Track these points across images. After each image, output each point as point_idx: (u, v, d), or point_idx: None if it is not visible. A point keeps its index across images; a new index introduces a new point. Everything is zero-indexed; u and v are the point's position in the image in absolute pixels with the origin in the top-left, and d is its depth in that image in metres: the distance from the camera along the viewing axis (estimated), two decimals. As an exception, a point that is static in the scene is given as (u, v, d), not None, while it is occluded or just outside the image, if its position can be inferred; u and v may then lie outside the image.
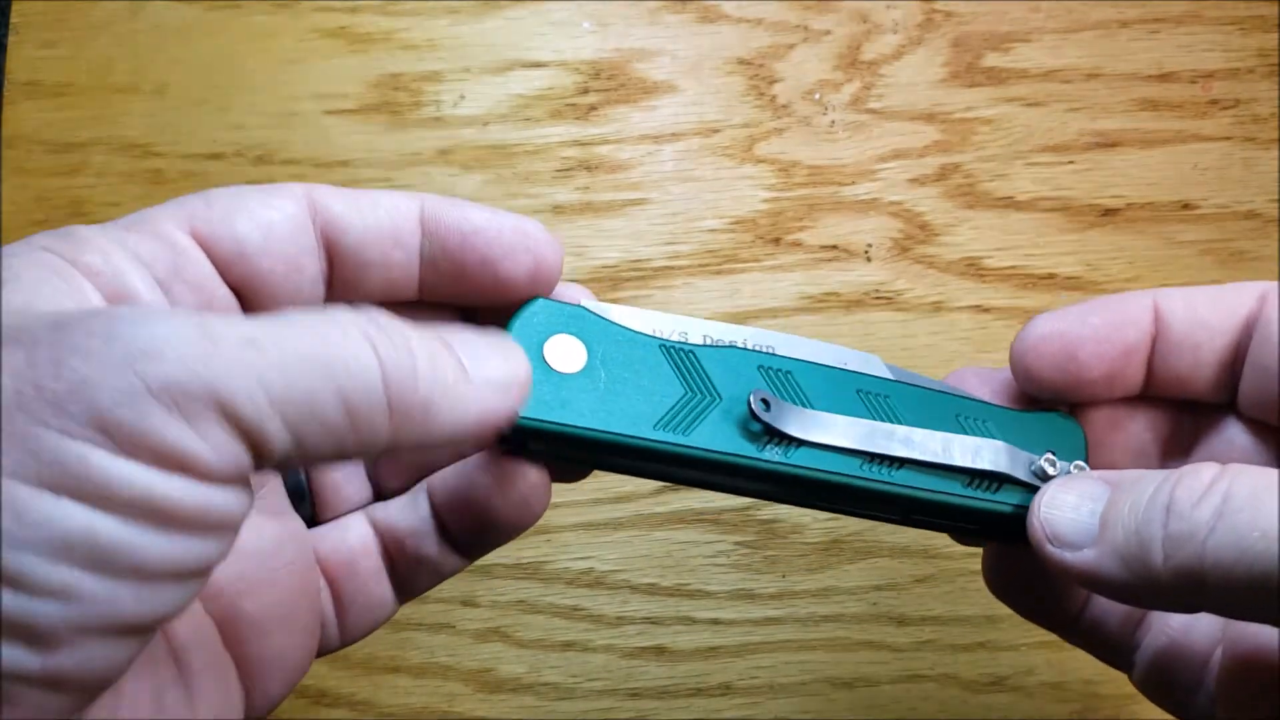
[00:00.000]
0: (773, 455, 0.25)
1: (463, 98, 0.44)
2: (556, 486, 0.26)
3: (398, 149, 0.43)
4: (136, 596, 0.18)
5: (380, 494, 0.27)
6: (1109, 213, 0.43)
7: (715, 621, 0.40)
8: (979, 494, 0.26)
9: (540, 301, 0.25)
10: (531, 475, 0.25)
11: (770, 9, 0.45)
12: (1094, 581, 0.24)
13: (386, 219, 0.25)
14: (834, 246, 0.43)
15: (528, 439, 0.24)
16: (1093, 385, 0.27)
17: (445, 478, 0.27)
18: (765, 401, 0.25)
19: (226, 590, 0.24)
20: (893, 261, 0.43)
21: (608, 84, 0.44)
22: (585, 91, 0.44)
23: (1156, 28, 0.45)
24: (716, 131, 0.44)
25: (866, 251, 0.43)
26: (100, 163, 0.43)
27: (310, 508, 0.27)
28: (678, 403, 0.25)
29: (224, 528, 0.19)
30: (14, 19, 0.44)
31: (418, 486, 0.27)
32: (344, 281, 0.25)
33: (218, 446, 0.18)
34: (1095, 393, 0.27)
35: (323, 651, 0.26)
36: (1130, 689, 0.29)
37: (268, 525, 0.25)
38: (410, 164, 0.43)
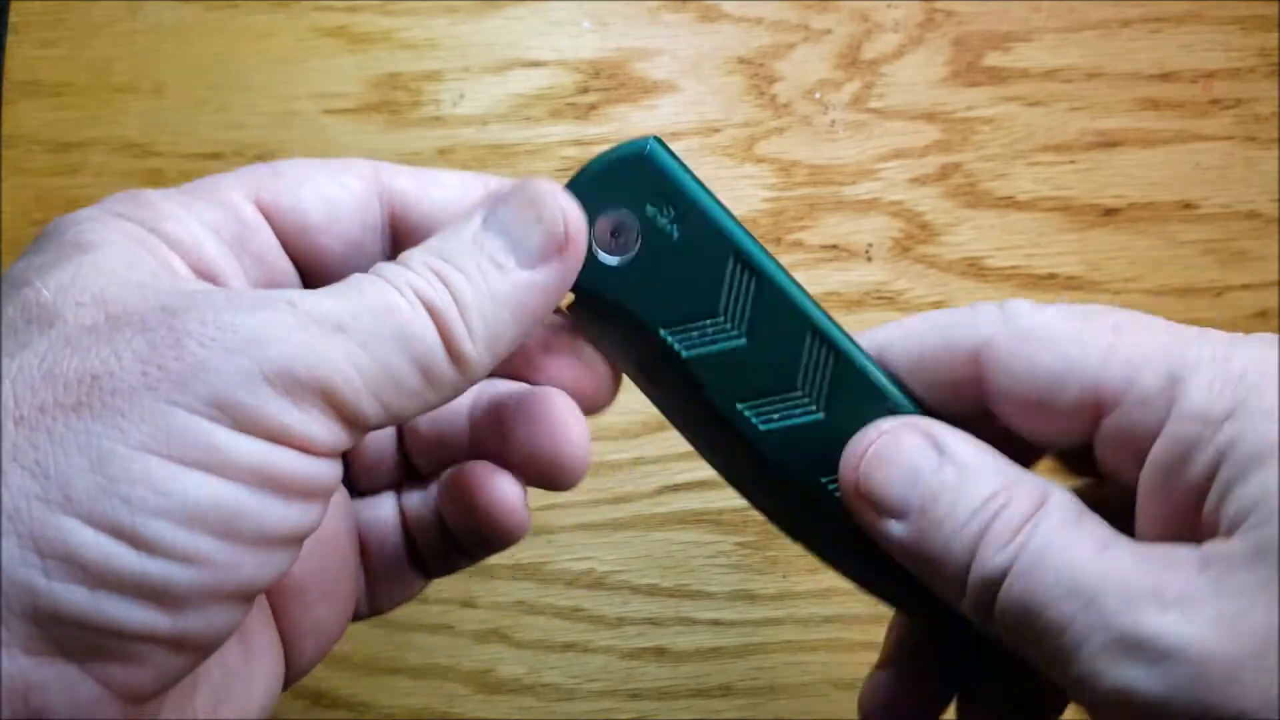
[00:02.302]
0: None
1: (462, 97, 0.44)
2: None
3: (397, 148, 0.43)
4: (256, 560, 0.20)
5: (410, 473, 0.28)
6: (1110, 212, 0.43)
7: (716, 622, 0.40)
8: None
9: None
10: (507, 488, 0.26)
11: (771, 8, 0.45)
12: (898, 551, 0.24)
13: (452, 196, 0.25)
14: (835, 246, 0.43)
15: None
16: None
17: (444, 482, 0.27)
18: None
19: None
20: (893, 261, 0.43)
21: (608, 83, 0.44)
22: (585, 91, 0.44)
23: (1158, 27, 0.45)
24: (717, 131, 0.44)
25: (867, 251, 0.43)
26: (99, 162, 0.43)
27: (349, 481, 0.28)
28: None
29: (325, 494, 0.21)
30: (13, 19, 0.44)
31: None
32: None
33: (322, 425, 0.20)
34: None
35: (354, 618, 0.28)
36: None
37: None
38: (410, 163, 0.43)
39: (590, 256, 0.24)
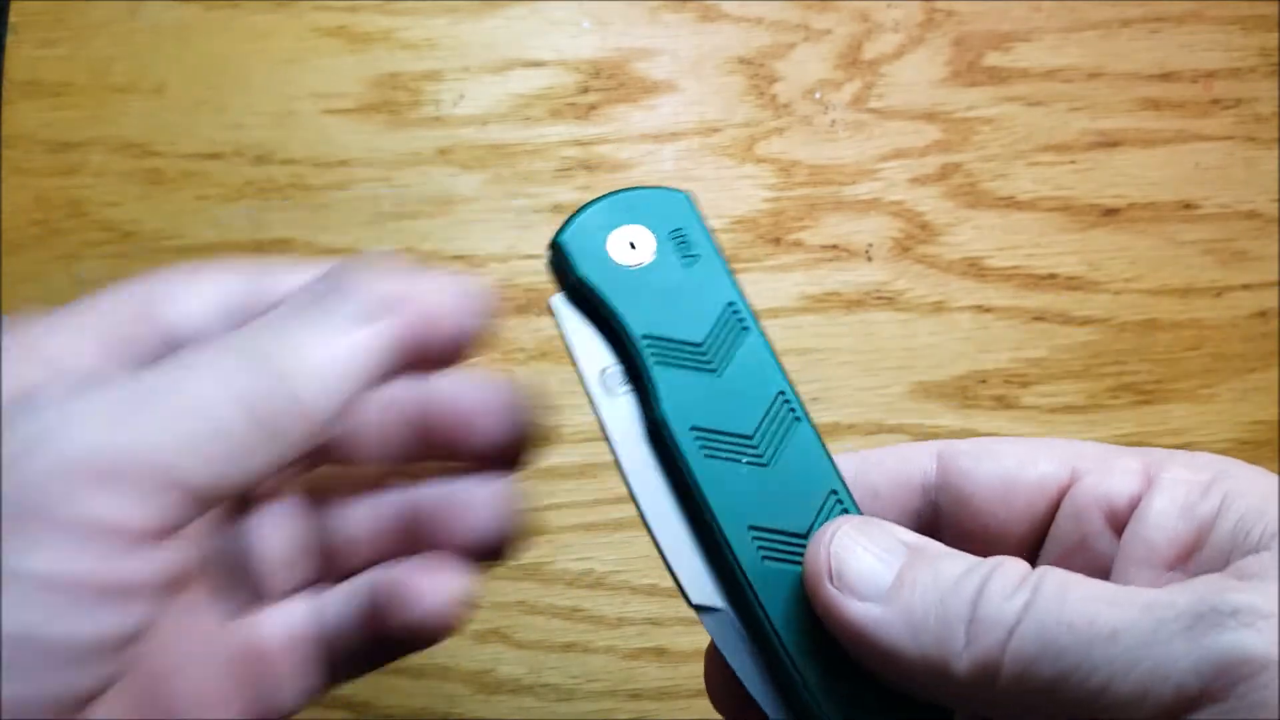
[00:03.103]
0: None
1: (462, 97, 0.44)
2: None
3: (397, 148, 0.43)
4: (66, 677, 0.18)
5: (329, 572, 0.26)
6: (1110, 212, 0.43)
7: (716, 622, 0.40)
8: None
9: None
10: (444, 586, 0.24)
11: (771, 8, 0.45)
12: (871, 643, 0.21)
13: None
14: (835, 246, 0.43)
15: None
16: None
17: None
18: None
19: (156, 668, 0.23)
20: (894, 261, 0.43)
21: (608, 83, 0.44)
22: (585, 91, 0.44)
23: (1158, 27, 0.45)
24: (717, 131, 0.44)
25: (867, 251, 0.43)
26: (99, 162, 0.43)
27: (250, 589, 0.25)
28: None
29: (153, 588, 0.19)
30: (13, 19, 0.44)
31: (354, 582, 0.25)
32: None
33: (140, 507, 0.19)
34: None
35: None
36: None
37: (203, 612, 0.24)
38: (410, 163, 0.43)
39: (602, 253, 0.25)
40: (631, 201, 0.26)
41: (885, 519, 0.24)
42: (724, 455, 0.25)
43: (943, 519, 0.25)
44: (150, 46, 0.44)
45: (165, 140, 0.43)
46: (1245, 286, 0.43)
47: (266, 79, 0.44)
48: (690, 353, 0.25)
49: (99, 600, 0.19)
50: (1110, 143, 0.44)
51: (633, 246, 0.26)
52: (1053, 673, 0.20)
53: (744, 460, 0.25)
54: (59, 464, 0.18)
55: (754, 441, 0.25)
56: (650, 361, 0.25)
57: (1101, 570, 0.23)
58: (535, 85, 0.44)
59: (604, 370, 0.25)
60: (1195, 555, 0.22)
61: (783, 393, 0.25)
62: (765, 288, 0.42)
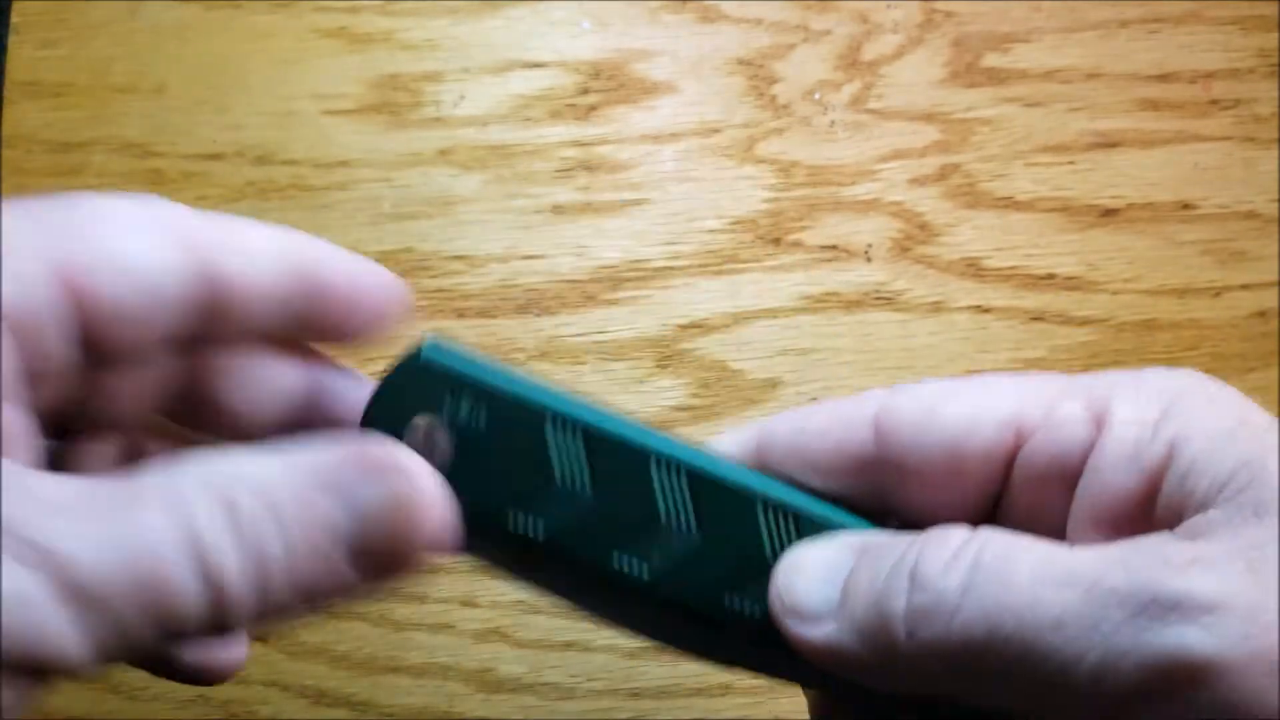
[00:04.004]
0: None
1: (463, 98, 0.44)
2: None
3: (397, 149, 0.43)
4: None
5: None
6: (1109, 213, 0.43)
7: (715, 622, 0.40)
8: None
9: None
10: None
11: (770, 9, 0.45)
12: (834, 660, 0.21)
13: (270, 261, 0.22)
14: (834, 247, 0.43)
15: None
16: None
17: None
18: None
19: None
20: (893, 261, 0.43)
21: (608, 84, 0.44)
22: (585, 91, 0.44)
23: (1157, 28, 0.45)
24: (716, 131, 0.44)
25: (866, 252, 0.43)
26: (100, 163, 0.43)
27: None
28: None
29: None
30: (14, 19, 0.44)
31: None
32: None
33: (24, 694, 0.17)
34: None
35: None
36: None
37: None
38: (410, 164, 0.43)
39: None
40: (388, 402, 0.23)
41: (828, 493, 0.23)
42: (659, 557, 0.23)
43: (889, 494, 0.24)
44: (151, 47, 0.44)
45: (166, 141, 0.43)
46: (1244, 286, 0.43)
47: (267, 80, 0.44)
48: (557, 496, 0.23)
49: None
50: (1109, 143, 0.44)
51: (427, 443, 0.23)
52: (1003, 660, 0.19)
53: (678, 545, 0.23)
54: None
55: (669, 524, 0.23)
56: (535, 531, 0.23)
57: (1062, 533, 0.22)
58: (535, 86, 0.44)
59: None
60: (1149, 511, 0.21)
61: (657, 459, 0.23)
62: (765, 288, 0.42)
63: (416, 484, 0.20)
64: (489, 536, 0.23)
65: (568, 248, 0.42)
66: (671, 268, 0.42)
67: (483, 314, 0.42)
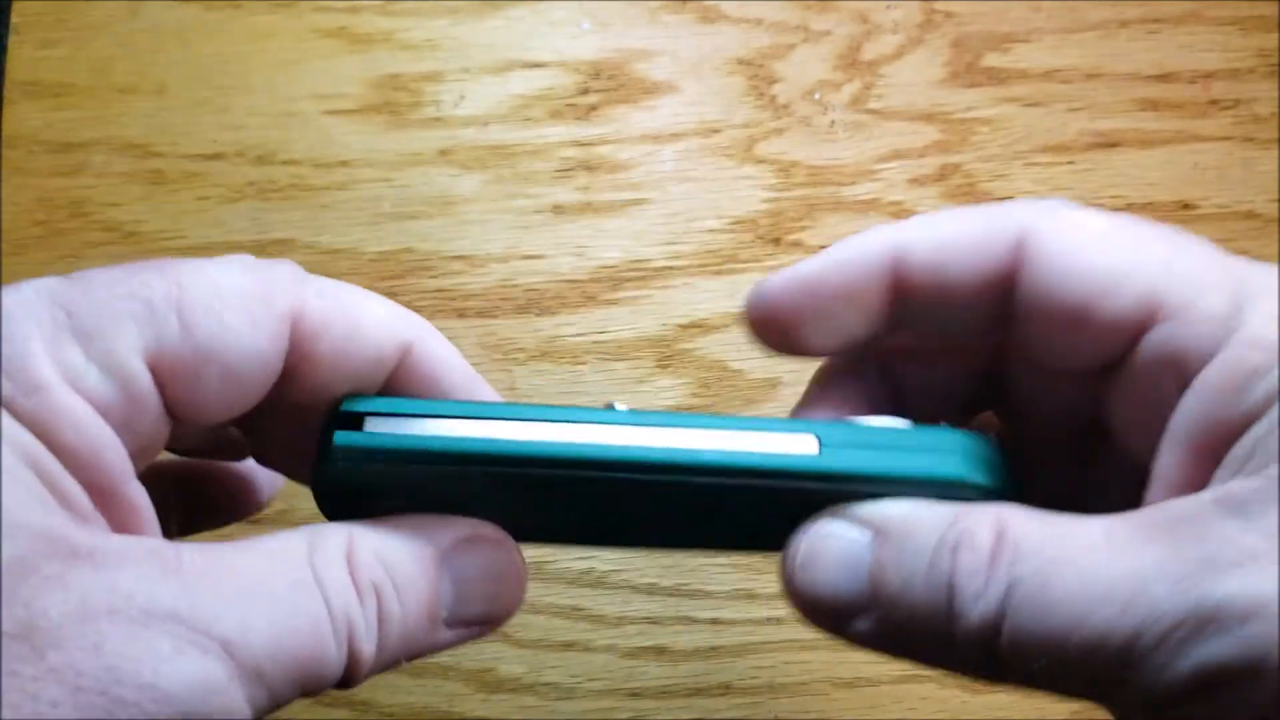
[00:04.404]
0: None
1: (463, 98, 0.44)
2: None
3: (398, 149, 0.43)
4: None
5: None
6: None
7: (715, 621, 0.40)
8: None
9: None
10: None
11: (770, 9, 0.45)
12: (876, 649, 0.22)
13: (369, 336, 0.23)
14: (834, 246, 0.43)
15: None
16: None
17: None
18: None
19: None
20: (893, 261, 0.43)
21: (608, 84, 0.44)
22: (585, 91, 0.44)
23: (1156, 28, 0.45)
24: (716, 131, 0.44)
25: (866, 251, 0.43)
26: (100, 163, 0.43)
27: None
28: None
29: None
30: (14, 19, 0.44)
31: None
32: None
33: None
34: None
35: None
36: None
37: None
38: (410, 164, 0.43)
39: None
40: (332, 505, 0.23)
41: (953, 299, 0.22)
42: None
43: (1016, 319, 0.22)
44: (151, 47, 0.44)
45: (166, 141, 0.43)
46: (1243, 287, 0.43)
47: (267, 80, 0.44)
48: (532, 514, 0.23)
49: None
50: (1109, 143, 0.44)
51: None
52: (1048, 669, 0.19)
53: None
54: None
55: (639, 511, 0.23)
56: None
57: (1161, 425, 0.21)
58: (535, 86, 0.44)
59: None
60: (1227, 449, 0.20)
61: (591, 467, 0.22)
62: (765, 288, 0.42)
63: (511, 555, 0.23)
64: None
65: (568, 248, 0.42)
66: (672, 268, 0.42)
67: (483, 314, 0.42)
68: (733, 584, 0.40)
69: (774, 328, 0.24)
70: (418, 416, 0.22)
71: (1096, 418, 0.23)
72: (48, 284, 0.20)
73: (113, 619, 0.18)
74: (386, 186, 0.43)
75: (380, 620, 0.21)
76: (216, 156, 0.43)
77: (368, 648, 0.21)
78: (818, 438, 0.22)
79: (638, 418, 0.22)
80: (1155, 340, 0.21)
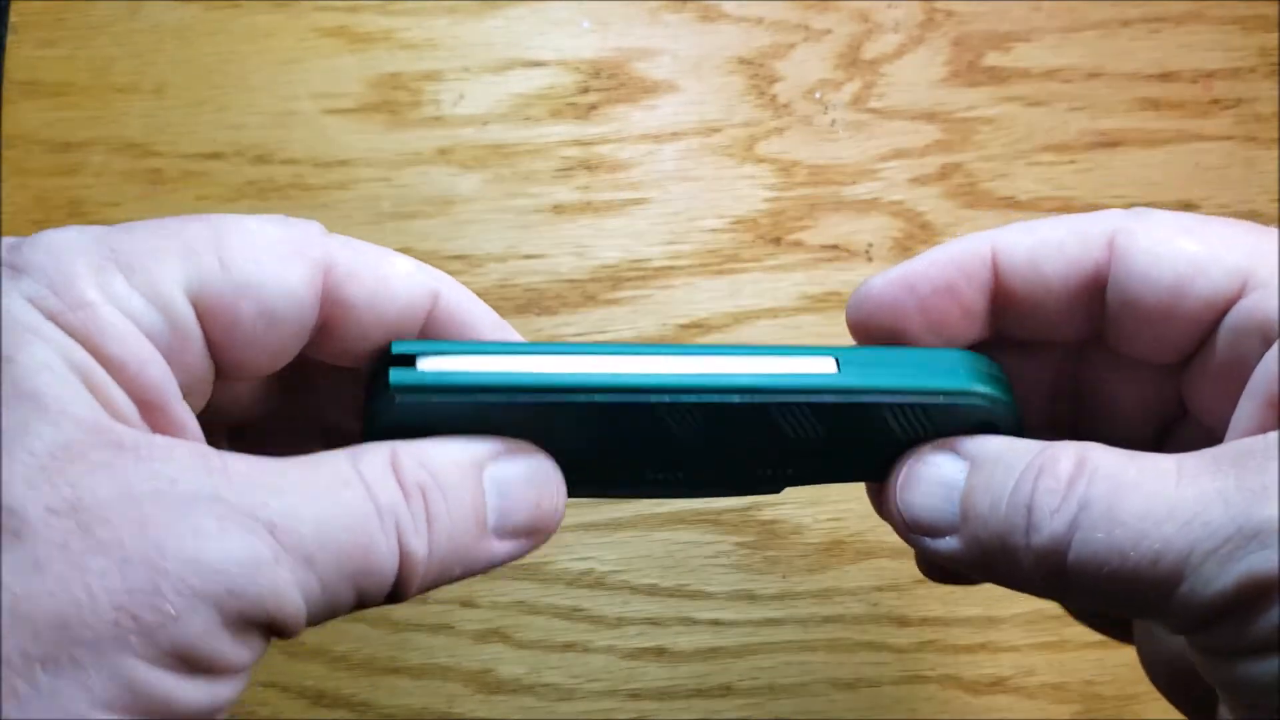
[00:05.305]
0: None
1: (462, 97, 0.44)
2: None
3: (397, 148, 0.43)
4: None
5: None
6: (1110, 212, 0.43)
7: (716, 622, 0.40)
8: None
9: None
10: None
11: (770, 8, 0.45)
12: (955, 563, 0.24)
13: (399, 286, 0.24)
14: (835, 246, 0.43)
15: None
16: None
17: None
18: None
19: None
20: (894, 261, 0.43)
21: (608, 83, 0.44)
22: (585, 91, 0.44)
23: (1158, 27, 0.45)
24: (717, 131, 0.44)
25: (868, 251, 0.43)
26: (99, 162, 0.43)
27: None
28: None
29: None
30: (13, 18, 0.44)
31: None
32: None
33: (256, 650, 0.20)
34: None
35: None
36: (1132, 689, 0.29)
37: None
38: (410, 163, 0.43)
39: None
40: (380, 425, 0.23)
41: (1049, 297, 0.24)
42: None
43: (1108, 314, 0.24)
44: (151, 46, 0.44)
45: (166, 140, 0.43)
46: (1245, 286, 0.43)
47: (267, 79, 0.44)
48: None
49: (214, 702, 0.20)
50: (1110, 143, 0.44)
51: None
52: (1110, 587, 0.21)
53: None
54: (227, 615, 0.19)
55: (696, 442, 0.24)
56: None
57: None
58: (535, 85, 0.44)
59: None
60: None
61: (654, 401, 0.23)
62: (765, 287, 0.42)
63: (549, 465, 0.24)
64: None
65: (568, 247, 0.42)
66: (672, 267, 0.42)
67: (483, 314, 0.42)
68: (733, 585, 0.40)
69: (877, 326, 0.25)
70: (467, 354, 0.23)
71: (1173, 417, 0.25)
72: (91, 229, 0.21)
73: (157, 500, 0.19)
74: (386, 186, 0.43)
75: (428, 519, 0.22)
76: (216, 156, 0.43)
77: (418, 544, 0.21)
78: (836, 359, 0.24)
79: (680, 350, 0.24)
80: (1243, 309, 0.23)
